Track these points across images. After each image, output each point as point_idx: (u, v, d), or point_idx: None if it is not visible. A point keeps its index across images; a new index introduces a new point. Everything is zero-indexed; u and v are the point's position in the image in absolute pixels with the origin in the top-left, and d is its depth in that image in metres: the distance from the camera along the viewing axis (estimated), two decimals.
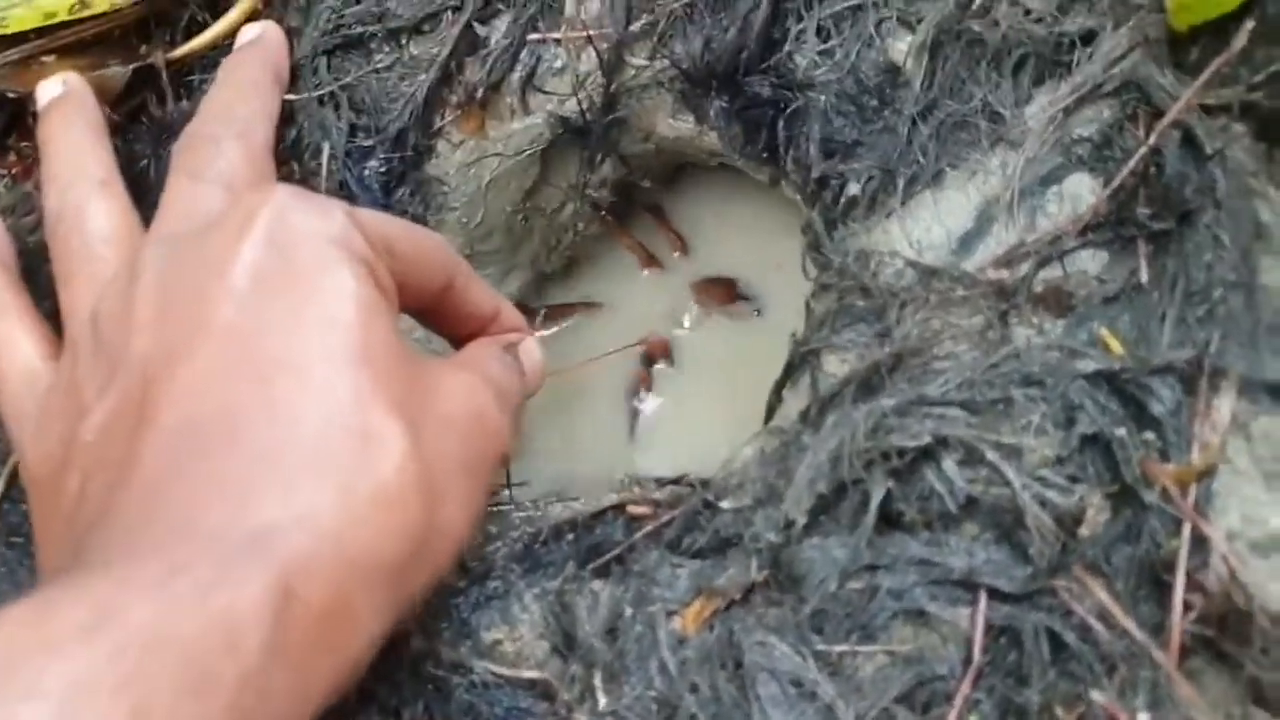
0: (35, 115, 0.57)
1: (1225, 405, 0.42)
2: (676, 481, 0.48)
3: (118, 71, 0.58)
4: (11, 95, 0.57)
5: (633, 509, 0.47)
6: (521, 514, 0.49)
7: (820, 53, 0.53)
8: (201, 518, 0.30)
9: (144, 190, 0.54)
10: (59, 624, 0.25)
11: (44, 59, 0.58)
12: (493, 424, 0.39)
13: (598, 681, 0.42)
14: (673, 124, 0.60)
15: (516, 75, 0.58)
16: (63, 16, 0.57)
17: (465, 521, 0.37)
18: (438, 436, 0.35)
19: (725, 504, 0.44)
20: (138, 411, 0.33)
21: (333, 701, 0.32)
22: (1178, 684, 0.36)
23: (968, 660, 0.39)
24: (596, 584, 0.45)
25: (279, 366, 0.33)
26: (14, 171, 0.58)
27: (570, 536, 0.48)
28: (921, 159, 0.49)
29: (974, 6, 0.50)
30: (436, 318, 0.45)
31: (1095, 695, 0.36)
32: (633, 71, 0.58)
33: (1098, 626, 0.39)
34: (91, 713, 0.23)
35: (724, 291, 0.66)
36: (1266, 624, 0.37)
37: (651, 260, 0.68)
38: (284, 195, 0.37)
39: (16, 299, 0.48)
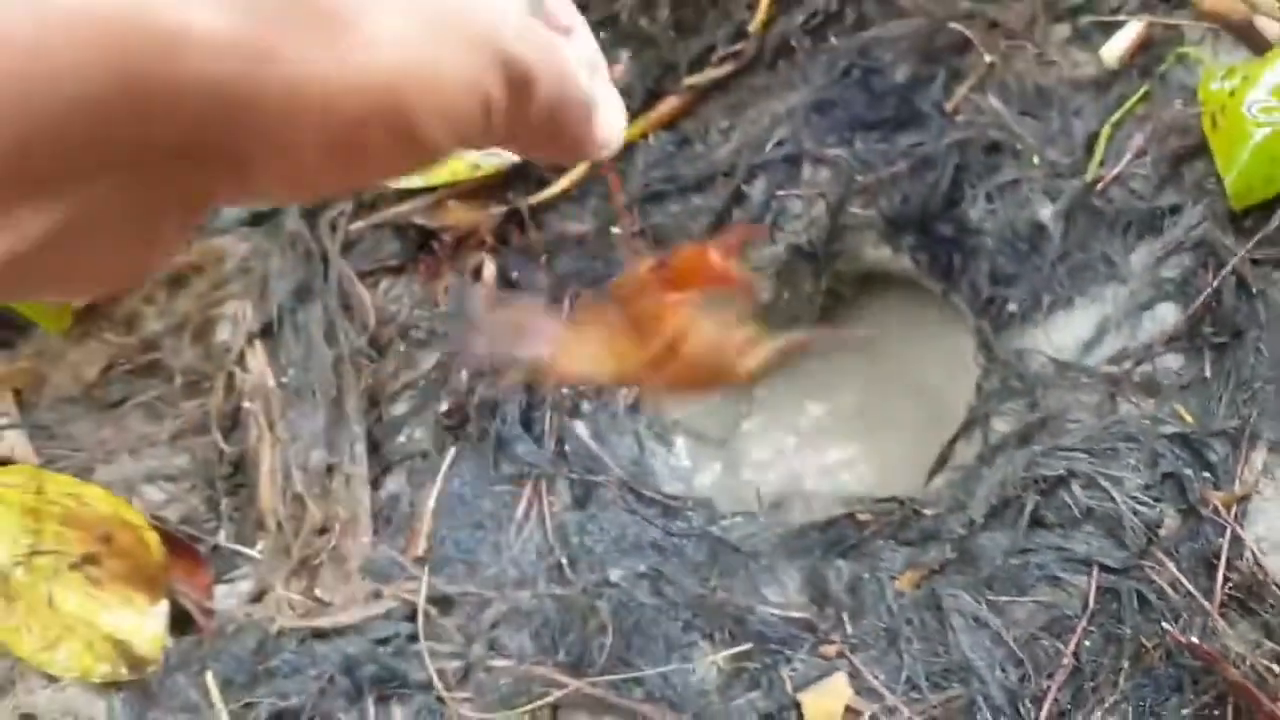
0: (440, 241, 0.93)
1: (1259, 457, 0.71)
2: (890, 500, 0.79)
3: (495, 211, 0.93)
4: (428, 227, 0.93)
5: (860, 516, 0.79)
6: (767, 517, 0.81)
7: (987, 210, 0.86)
8: None
9: (518, 295, 0.90)
10: None
11: (449, 202, 0.94)
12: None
13: (845, 618, 0.73)
14: (876, 253, 0.92)
15: (767, 218, 0.91)
16: (462, 175, 0.93)
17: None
18: None
19: (927, 511, 0.76)
20: None
21: None
22: (1217, 621, 0.66)
23: (1085, 607, 0.69)
24: (840, 562, 0.77)
25: None
26: (424, 277, 0.93)
27: (814, 534, 0.79)
28: (1059, 289, 0.81)
29: (1097, 188, 0.82)
30: None
31: (1165, 625, 0.66)
32: (851, 216, 0.91)
33: (1169, 590, 0.68)
34: None
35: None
36: (1277, 591, 0.67)
37: None
38: None
39: None
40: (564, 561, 0.82)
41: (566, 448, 0.88)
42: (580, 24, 0.29)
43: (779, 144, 0.92)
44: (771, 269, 0.93)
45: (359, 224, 0.92)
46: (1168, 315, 0.78)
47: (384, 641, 0.78)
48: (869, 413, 0.99)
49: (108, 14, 0.17)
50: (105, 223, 0.20)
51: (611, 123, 0.29)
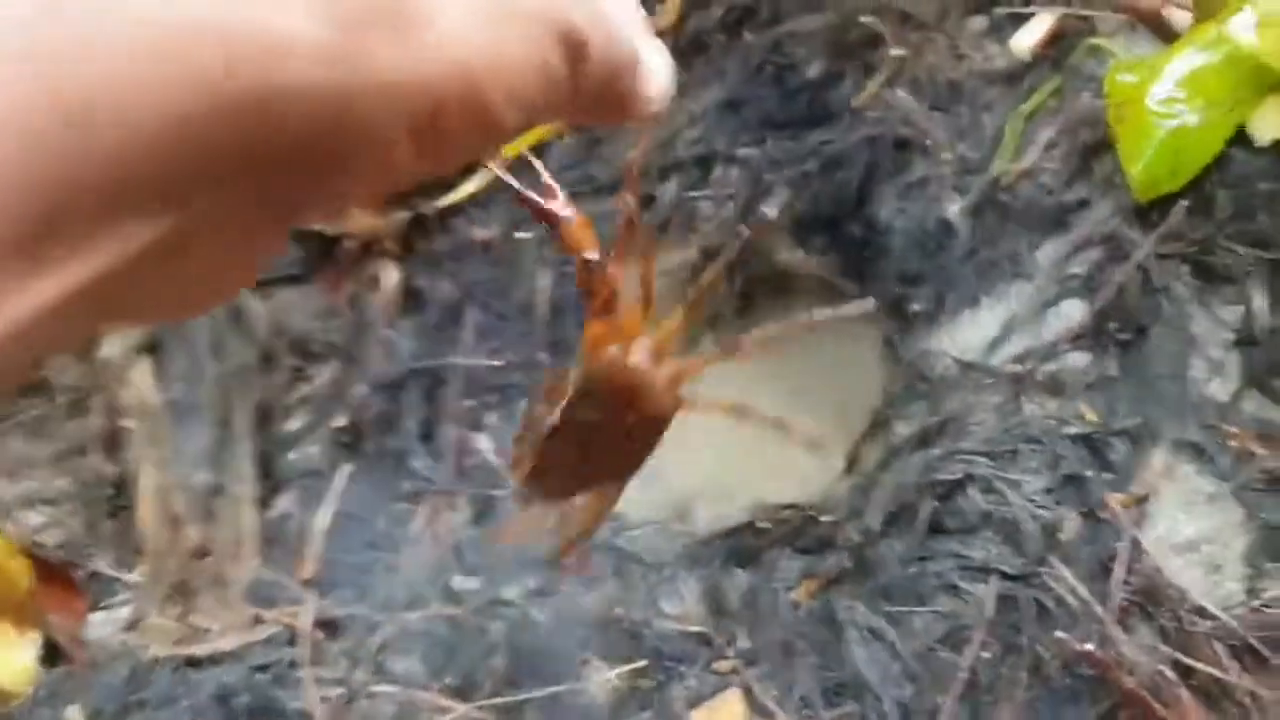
0: (342, 248, 0.92)
1: (1160, 457, 0.71)
2: (790, 507, 0.78)
3: (399, 217, 0.92)
4: (328, 234, 0.92)
5: (760, 524, 0.78)
6: (680, 527, 0.80)
7: (897, 209, 0.85)
8: None
9: (421, 304, 0.89)
10: None
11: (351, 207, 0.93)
12: None
13: (741, 630, 0.72)
14: (788, 255, 0.92)
15: (677, 221, 0.91)
16: None
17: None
18: None
19: (825, 518, 0.75)
20: None
21: None
22: (1111, 629, 0.65)
23: (983, 617, 0.68)
24: (738, 572, 0.76)
25: None
26: (325, 287, 0.92)
27: (716, 544, 0.79)
28: (965, 288, 0.80)
29: (1003, 182, 0.81)
30: None
31: (1059, 634, 0.65)
32: (762, 216, 0.90)
33: (1067, 596, 0.68)
34: None
35: None
36: (1176, 595, 0.66)
37: None
38: None
39: None
40: (458, 580, 0.81)
41: (467, 462, 0.87)
42: None
43: (690, 144, 0.92)
44: (683, 273, 0.93)
45: None
46: (1074, 312, 0.77)
47: (263, 669, 0.76)
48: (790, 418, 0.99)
49: (214, 27, 0.18)
50: (209, 235, 0.20)
51: (660, 76, 0.29)
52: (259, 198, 0.20)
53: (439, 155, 0.23)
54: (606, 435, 0.36)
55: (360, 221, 0.92)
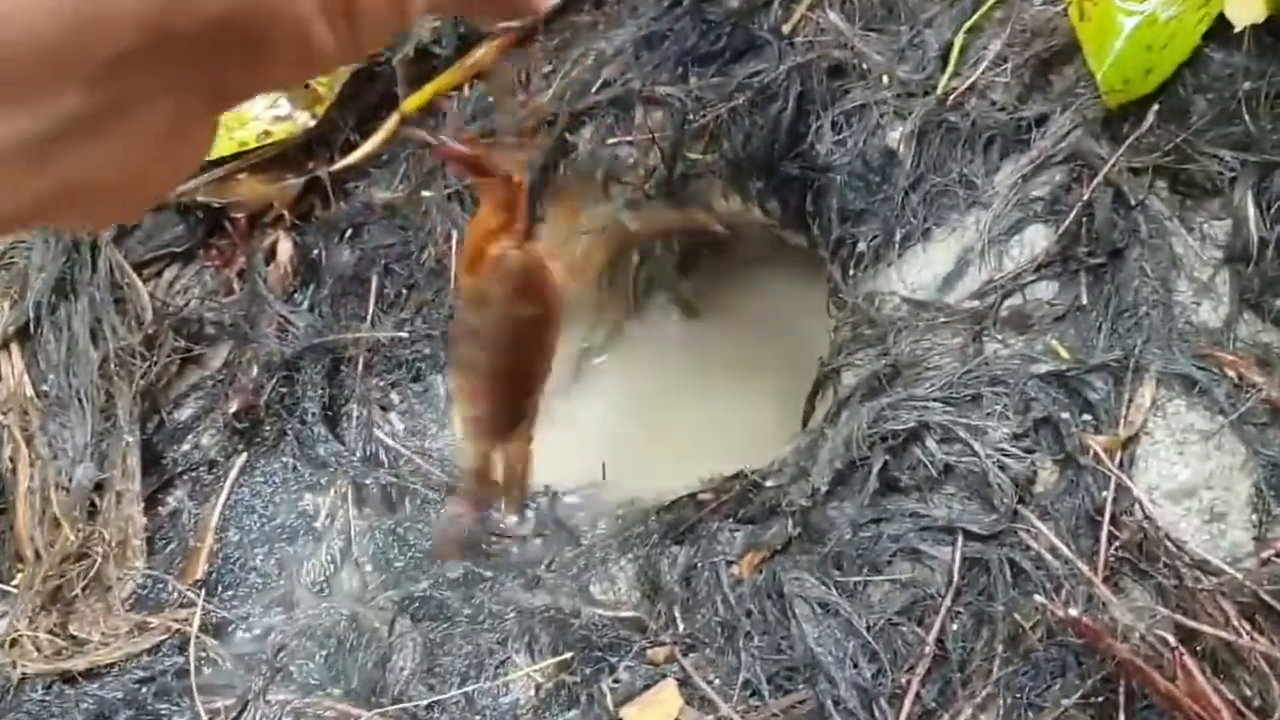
0: (232, 221, 0.79)
1: (1146, 392, 0.59)
2: (735, 476, 0.66)
3: (293, 183, 0.80)
4: (215, 205, 0.80)
5: (701, 496, 0.65)
6: (618, 501, 0.68)
7: (835, 142, 0.73)
8: None
9: (319, 275, 0.77)
10: None
11: (239, 176, 0.80)
12: None
13: (678, 613, 0.60)
14: (724, 202, 0.80)
15: (599, 171, 0.78)
16: (252, 144, 0.80)
17: None
18: None
19: (768, 483, 0.62)
20: None
21: None
22: (1100, 590, 0.53)
23: (949, 584, 0.56)
24: (675, 548, 0.63)
25: None
26: (216, 263, 0.80)
27: (654, 518, 0.66)
28: (914, 220, 0.68)
29: (949, 101, 0.69)
30: None
31: (1039, 599, 0.53)
32: (690, 162, 0.78)
33: (1046, 556, 0.55)
34: None
35: None
36: (1173, 549, 0.54)
37: None
38: None
39: None
40: (367, 574, 0.69)
41: (377, 447, 0.74)
42: None
43: (606, 85, 0.79)
44: (607, 230, 0.80)
45: None
46: (1037, 239, 0.65)
47: (147, 680, 0.64)
48: (740, 379, 0.87)
49: None
50: (135, 115, 0.21)
51: None
52: (185, 77, 0.21)
53: (355, 36, 0.22)
54: (513, 332, 0.44)
55: (249, 189, 0.80)
